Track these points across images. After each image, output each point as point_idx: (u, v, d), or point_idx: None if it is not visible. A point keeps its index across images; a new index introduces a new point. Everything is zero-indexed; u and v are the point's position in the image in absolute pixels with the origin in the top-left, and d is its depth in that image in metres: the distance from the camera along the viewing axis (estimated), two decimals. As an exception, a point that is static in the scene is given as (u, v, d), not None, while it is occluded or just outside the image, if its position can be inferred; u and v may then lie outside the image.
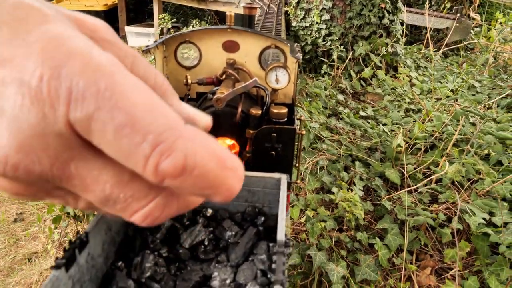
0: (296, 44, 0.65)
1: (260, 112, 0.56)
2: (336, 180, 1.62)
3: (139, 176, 0.17)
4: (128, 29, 4.93)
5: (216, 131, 0.57)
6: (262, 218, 0.37)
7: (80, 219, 1.54)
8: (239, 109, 0.57)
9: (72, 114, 0.16)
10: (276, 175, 0.37)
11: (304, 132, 0.60)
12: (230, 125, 0.58)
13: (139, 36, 4.87)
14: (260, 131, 0.53)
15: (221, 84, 0.60)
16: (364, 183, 1.65)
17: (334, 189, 1.49)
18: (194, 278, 0.32)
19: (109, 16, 5.10)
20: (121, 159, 0.16)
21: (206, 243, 0.35)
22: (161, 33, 4.63)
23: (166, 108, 0.16)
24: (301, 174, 1.63)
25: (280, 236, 0.29)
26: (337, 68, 2.91)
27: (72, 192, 0.19)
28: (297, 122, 0.59)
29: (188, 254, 0.35)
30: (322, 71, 2.98)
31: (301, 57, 0.60)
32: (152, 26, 5.05)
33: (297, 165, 0.63)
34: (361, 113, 2.41)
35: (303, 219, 1.42)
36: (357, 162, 1.75)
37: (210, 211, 0.38)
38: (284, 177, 0.36)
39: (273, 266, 0.27)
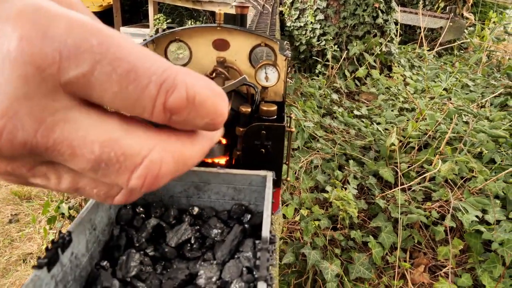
0: (285, 42, 0.65)
1: (249, 109, 0.56)
2: (330, 179, 1.62)
3: (128, 133, 0.17)
4: (124, 30, 4.93)
5: None
6: (249, 216, 0.37)
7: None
8: (229, 107, 0.57)
9: (65, 74, 0.15)
10: (261, 172, 0.37)
11: (293, 129, 0.60)
12: None
13: (135, 37, 4.87)
14: (249, 129, 0.53)
15: None
16: (358, 182, 1.65)
17: (328, 188, 1.50)
18: (180, 276, 0.32)
19: (104, 17, 5.11)
20: (127, 108, 0.17)
21: (192, 242, 0.35)
22: (157, 33, 4.63)
23: (154, 53, 0.17)
24: (295, 173, 1.63)
25: (265, 232, 0.29)
26: (332, 68, 2.92)
27: (56, 167, 0.18)
28: (287, 119, 0.59)
29: (174, 252, 0.34)
30: (317, 71, 2.98)
31: (290, 54, 0.60)
32: (147, 27, 5.05)
33: (287, 162, 0.63)
34: (356, 112, 2.41)
35: (297, 218, 1.42)
36: (351, 161, 1.76)
37: (196, 209, 0.38)
38: (270, 174, 0.36)
39: (257, 262, 0.27)
